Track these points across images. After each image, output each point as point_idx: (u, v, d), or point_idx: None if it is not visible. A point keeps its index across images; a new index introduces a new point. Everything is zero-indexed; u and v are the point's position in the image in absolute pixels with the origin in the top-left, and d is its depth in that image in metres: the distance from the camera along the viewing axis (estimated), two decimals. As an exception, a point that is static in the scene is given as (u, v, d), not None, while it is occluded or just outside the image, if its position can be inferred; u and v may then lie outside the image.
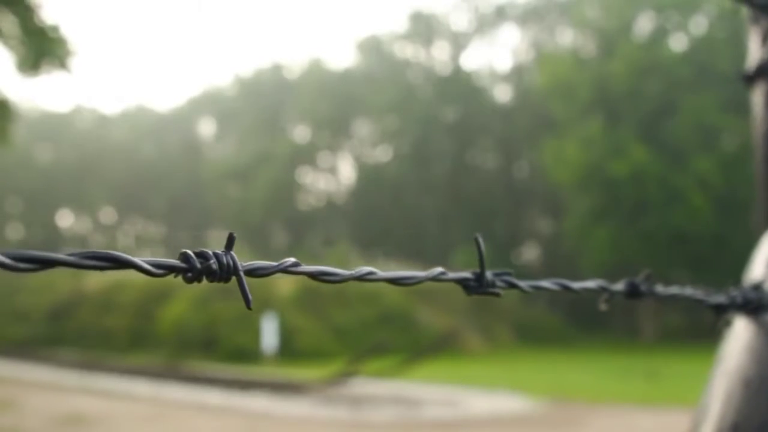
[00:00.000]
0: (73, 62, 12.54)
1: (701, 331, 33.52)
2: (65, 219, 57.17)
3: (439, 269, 0.78)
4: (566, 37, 42.56)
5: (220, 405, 14.47)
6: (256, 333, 23.68)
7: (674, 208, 31.57)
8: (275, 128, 48.85)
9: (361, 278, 0.73)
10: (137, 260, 0.57)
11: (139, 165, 53.14)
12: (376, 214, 45.29)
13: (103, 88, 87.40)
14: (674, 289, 1.00)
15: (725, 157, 32.34)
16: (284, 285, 26.46)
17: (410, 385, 16.65)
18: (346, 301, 26.75)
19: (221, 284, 0.60)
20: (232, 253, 0.61)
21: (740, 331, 1.11)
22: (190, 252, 0.60)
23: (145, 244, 56.51)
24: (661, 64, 33.30)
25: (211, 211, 51.13)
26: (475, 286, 0.79)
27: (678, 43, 35.74)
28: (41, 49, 12.19)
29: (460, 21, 46.92)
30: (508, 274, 0.83)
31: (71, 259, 0.55)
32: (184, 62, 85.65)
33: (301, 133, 49.68)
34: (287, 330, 24.26)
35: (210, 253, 0.60)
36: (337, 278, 0.73)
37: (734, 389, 1.05)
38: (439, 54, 47.02)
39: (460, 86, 44.09)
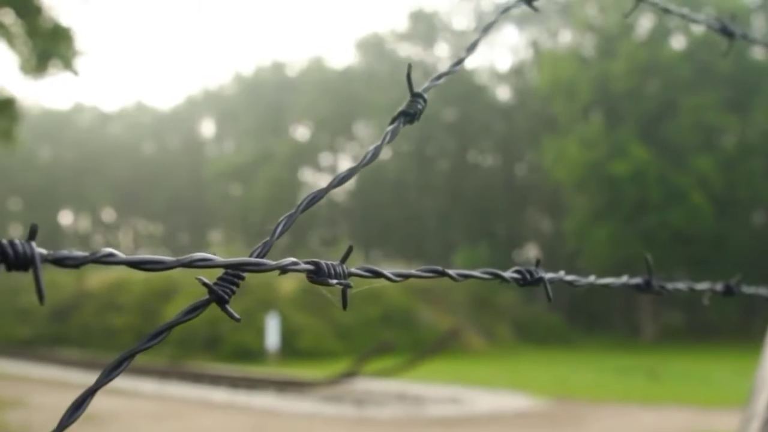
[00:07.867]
0: (80, 63, 12.61)
1: (700, 330, 33.67)
2: (65, 218, 57.20)
3: (625, 277, 1.07)
4: (566, 37, 42.66)
5: (226, 402, 14.59)
6: (258, 332, 23.78)
7: (674, 208, 31.67)
8: (276, 127, 48.89)
9: (570, 282, 0.97)
10: (504, 273, 0.84)
11: (140, 163, 53.16)
12: (377, 214, 45.36)
13: (103, 86, 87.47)
14: (751, 289, 1.28)
15: (725, 157, 32.45)
16: (286, 284, 26.52)
17: (413, 384, 16.78)
18: (347, 301, 26.78)
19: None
20: (540, 267, 0.89)
21: None
22: (522, 268, 0.87)
23: (145, 242, 56.56)
24: (661, 63, 33.41)
25: (211, 210, 51.17)
26: (645, 289, 1.08)
27: (678, 42, 35.82)
28: (46, 50, 12.23)
29: (461, 20, 47.07)
30: (663, 280, 1.11)
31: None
32: (184, 60, 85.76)
33: (301, 132, 49.76)
34: (290, 329, 24.36)
35: (533, 269, 0.88)
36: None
37: None
38: (440, 53, 47.13)
39: (461, 86, 44.15)
